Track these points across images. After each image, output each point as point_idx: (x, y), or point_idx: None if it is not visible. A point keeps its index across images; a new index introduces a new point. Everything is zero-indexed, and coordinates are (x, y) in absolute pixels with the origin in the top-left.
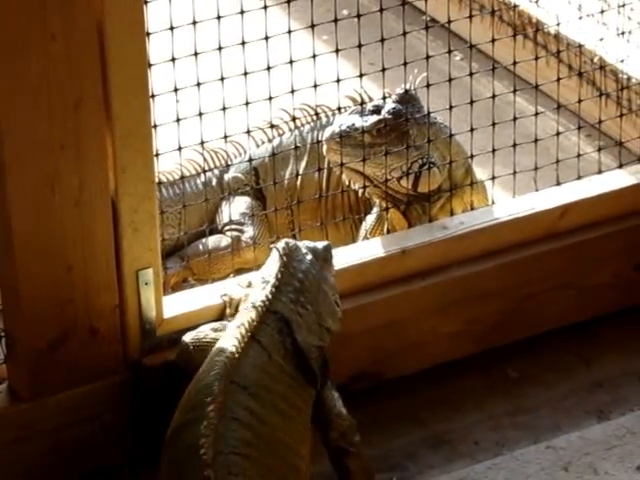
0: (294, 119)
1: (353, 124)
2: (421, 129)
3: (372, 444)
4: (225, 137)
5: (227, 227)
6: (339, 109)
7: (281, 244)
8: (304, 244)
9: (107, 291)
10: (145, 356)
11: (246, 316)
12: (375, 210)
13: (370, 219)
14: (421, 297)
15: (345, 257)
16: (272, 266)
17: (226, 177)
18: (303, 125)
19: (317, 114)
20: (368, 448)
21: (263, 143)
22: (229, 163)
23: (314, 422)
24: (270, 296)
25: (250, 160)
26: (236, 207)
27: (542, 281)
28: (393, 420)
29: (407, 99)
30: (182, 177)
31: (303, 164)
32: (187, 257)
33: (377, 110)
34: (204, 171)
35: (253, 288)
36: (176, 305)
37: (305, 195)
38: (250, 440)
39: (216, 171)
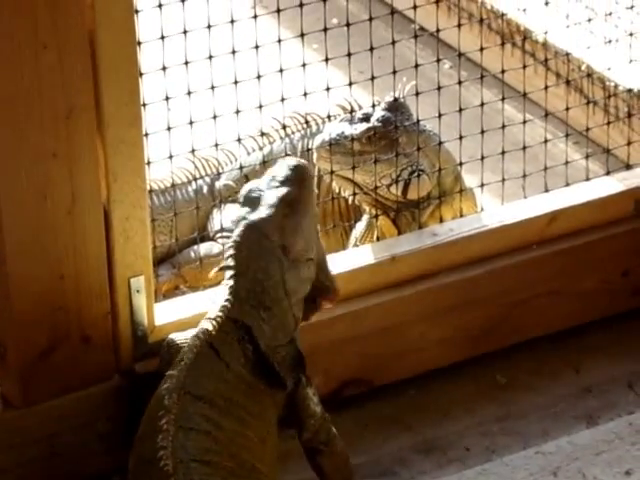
0: (284, 127)
1: (343, 132)
2: (410, 137)
3: (363, 450)
4: (216, 145)
5: (219, 235)
6: (329, 117)
7: (229, 241)
8: (253, 221)
9: (99, 299)
10: (137, 363)
11: (205, 325)
12: (365, 217)
13: (360, 226)
14: (411, 303)
15: (336, 264)
16: (230, 262)
17: (217, 185)
18: (293, 133)
19: (307, 122)
20: (359, 454)
21: (254, 151)
22: (220, 171)
23: (288, 423)
24: (230, 304)
25: (241, 168)
26: (227, 214)
27: (531, 287)
28: (383, 426)
29: (396, 107)
30: (173, 185)
31: None
32: (179, 264)
33: (367, 118)
34: (195, 179)
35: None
36: (168, 312)
37: None
38: (209, 447)
39: (207, 179)
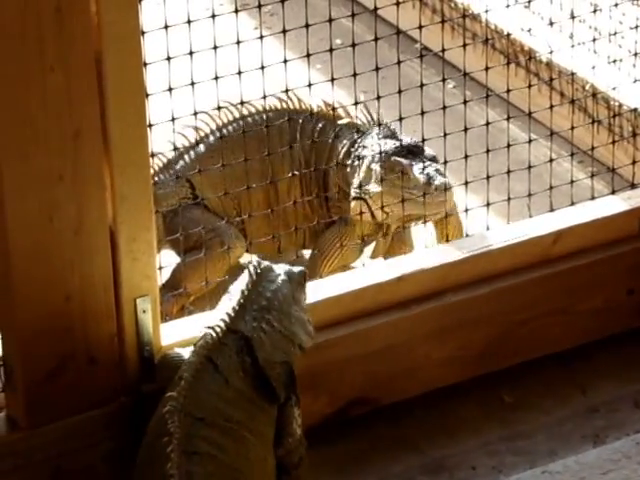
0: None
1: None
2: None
3: (370, 470)
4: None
5: (207, 237)
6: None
7: (253, 263)
8: (280, 266)
9: (105, 319)
10: (143, 383)
11: (204, 337)
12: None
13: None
14: (417, 323)
15: (341, 283)
16: (240, 284)
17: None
18: (225, 125)
19: (243, 115)
20: (366, 474)
21: (187, 151)
22: (155, 179)
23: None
24: (232, 314)
25: (177, 176)
26: (197, 219)
27: (536, 306)
28: (390, 446)
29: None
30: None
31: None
32: (180, 281)
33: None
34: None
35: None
36: (174, 332)
37: (254, 201)
38: (213, 471)
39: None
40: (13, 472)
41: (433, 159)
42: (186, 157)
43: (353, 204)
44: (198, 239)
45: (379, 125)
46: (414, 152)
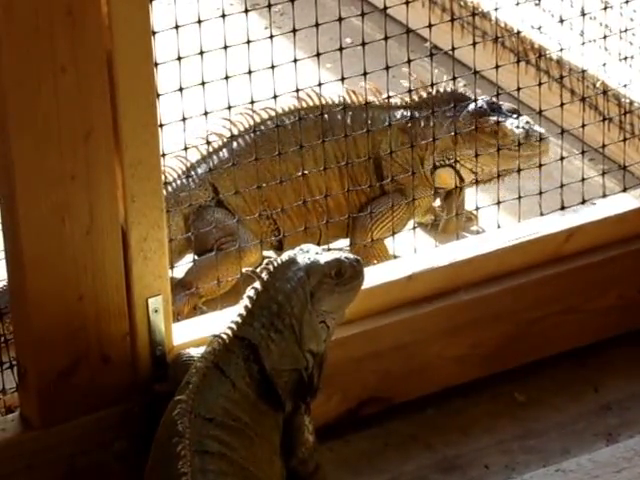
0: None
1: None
2: None
3: (382, 469)
4: (233, 164)
5: (221, 240)
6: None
7: (272, 259)
8: (305, 257)
9: (118, 319)
10: (156, 383)
11: (212, 344)
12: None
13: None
14: (428, 321)
15: None
16: (254, 283)
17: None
18: (243, 134)
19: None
20: (379, 473)
21: (212, 153)
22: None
23: (280, 445)
24: (240, 321)
25: (188, 177)
26: (219, 221)
27: (548, 305)
28: (403, 445)
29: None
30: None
31: None
32: (192, 281)
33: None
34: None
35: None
36: (186, 332)
37: (284, 200)
38: (225, 469)
39: (170, 188)
40: (27, 471)
41: (516, 112)
42: (210, 160)
43: (439, 172)
44: (216, 242)
45: (444, 92)
46: (494, 108)
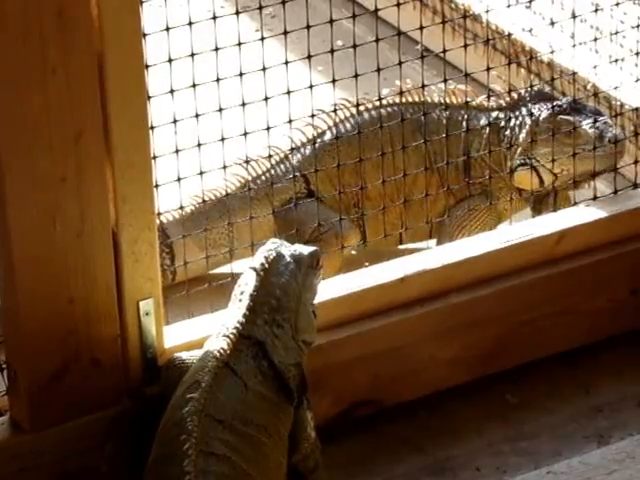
0: (335, 111)
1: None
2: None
3: (374, 472)
4: (224, 167)
5: (320, 231)
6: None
7: (261, 255)
8: (289, 250)
9: (108, 322)
10: (147, 386)
11: (219, 344)
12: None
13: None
14: (420, 324)
15: (344, 285)
16: (249, 281)
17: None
18: (342, 121)
19: (357, 106)
20: (370, 476)
21: (304, 145)
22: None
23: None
24: (243, 320)
25: (293, 169)
26: (313, 212)
27: (540, 307)
28: (394, 447)
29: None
30: (227, 194)
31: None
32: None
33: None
34: (249, 188)
35: (231, 302)
36: (177, 335)
37: (372, 195)
38: (227, 473)
39: (259, 182)
40: (17, 475)
41: (598, 112)
42: (302, 152)
43: (518, 172)
44: (312, 233)
45: (530, 93)
46: (577, 109)
